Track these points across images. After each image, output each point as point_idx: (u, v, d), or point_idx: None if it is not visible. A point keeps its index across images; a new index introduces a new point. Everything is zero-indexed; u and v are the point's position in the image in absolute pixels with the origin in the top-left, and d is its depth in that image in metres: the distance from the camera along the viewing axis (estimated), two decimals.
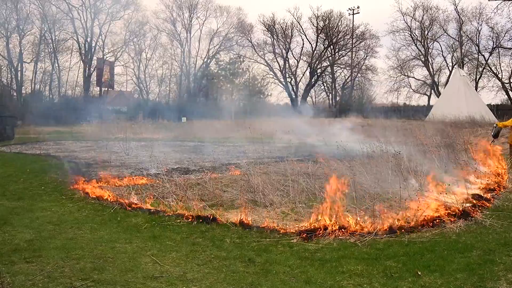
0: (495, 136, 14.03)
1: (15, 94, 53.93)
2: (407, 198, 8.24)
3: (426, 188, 9.23)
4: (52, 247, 6.24)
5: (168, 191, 9.42)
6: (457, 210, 7.73)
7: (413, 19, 58.46)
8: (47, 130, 38.02)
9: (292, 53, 68.35)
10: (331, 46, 66.74)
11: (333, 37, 66.09)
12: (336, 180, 7.72)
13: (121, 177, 11.56)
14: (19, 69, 53.76)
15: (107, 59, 59.95)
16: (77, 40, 57.90)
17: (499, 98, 55.25)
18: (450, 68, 56.37)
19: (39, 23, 54.62)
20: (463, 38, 54.91)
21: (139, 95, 66.11)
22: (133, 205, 8.67)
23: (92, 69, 58.64)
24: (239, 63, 68.87)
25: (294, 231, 6.97)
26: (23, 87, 55.25)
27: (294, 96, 67.89)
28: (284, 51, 67.72)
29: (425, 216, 7.47)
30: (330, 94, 70.23)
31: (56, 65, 56.60)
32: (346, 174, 9.73)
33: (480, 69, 54.25)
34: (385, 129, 23.22)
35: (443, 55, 58.57)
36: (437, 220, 7.28)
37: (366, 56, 66.17)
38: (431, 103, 54.78)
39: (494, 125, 14.77)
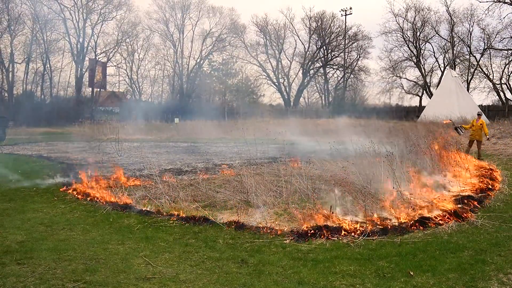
0: (456, 130, 17.54)
1: (6, 95, 53.51)
2: (399, 198, 8.28)
3: (418, 189, 9.27)
4: (44, 249, 6.20)
5: (160, 192, 9.40)
6: (449, 211, 7.78)
7: (405, 20, 58.72)
8: (38, 130, 37.82)
9: (285, 54, 68.67)
10: (324, 47, 66.95)
11: (326, 38, 66.31)
12: None
13: (113, 178, 11.51)
14: (10, 69, 53.40)
15: (99, 59, 59.71)
16: (69, 40, 57.72)
17: (491, 99, 55.75)
18: (442, 69, 56.66)
19: (30, 23, 54.35)
20: (455, 39, 55.27)
21: (132, 95, 65.93)
22: (125, 206, 8.64)
23: (84, 70, 58.38)
24: (232, 64, 68.93)
25: (287, 231, 6.98)
26: (14, 88, 54.93)
27: (286, 97, 68.02)
28: (277, 52, 67.97)
29: (417, 216, 7.51)
30: (323, 95, 70.42)
31: (48, 65, 56.35)
32: (339, 174, 9.77)
33: (472, 70, 54.60)
34: (377, 130, 23.32)
35: (435, 56, 58.91)
36: (430, 221, 7.32)
37: (359, 57, 66.46)
38: (423, 104, 55.03)
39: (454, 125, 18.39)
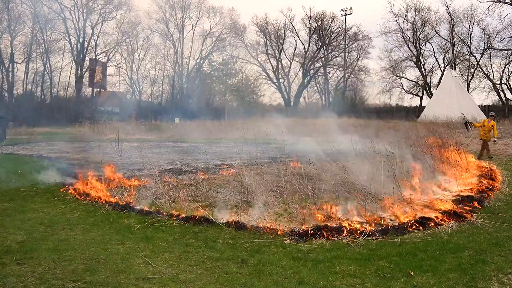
0: (465, 124, 18.78)
1: (6, 95, 53.47)
2: (399, 198, 8.28)
3: (418, 189, 9.27)
4: (44, 249, 6.20)
5: (161, 192, 9.39)
6: (449, 211, 7.78)
7: (405, 20, 58.79)
8: (38, 131, 37.80)
9: (285, 54, 68.66)
10: (324, 47, 66.95)
11: (326, 38, 66.30)
12: None
13: (114, 178, 11.50)
14: (10, 69, 53.37)
15: (99, 59, 59.68)
16: (69, 40, 57.72)
17: (491, 99, 55.74)
18: (442, 69, 56.68)
19: (30, 23, 54.31)
20: (455, 39, 55.28)
21: (132, 95, 65.95)
22: (125, 206, 8.64)
23: (84, 70, 58.35)
24: (232, 64, 68.90)
25: (287, 231, 6.97)
26: (14, 88, 54.90)
27: (287, 97, 68.03)
28: (277, 52, 67.96)
29: (417, 216, 7.51)
30: (323, 95, 70.40)
31: (48, 65, 56.35)
32: (339, 174, 9.76)
33: (472, 70, 54.63)
34: (377, 130, 23.30)
35: (435, 56, 58.95)
36: (430, 221, 7.32)
37: (359, 57, 66.44)
38: (423, 104, 55.04)
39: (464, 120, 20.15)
